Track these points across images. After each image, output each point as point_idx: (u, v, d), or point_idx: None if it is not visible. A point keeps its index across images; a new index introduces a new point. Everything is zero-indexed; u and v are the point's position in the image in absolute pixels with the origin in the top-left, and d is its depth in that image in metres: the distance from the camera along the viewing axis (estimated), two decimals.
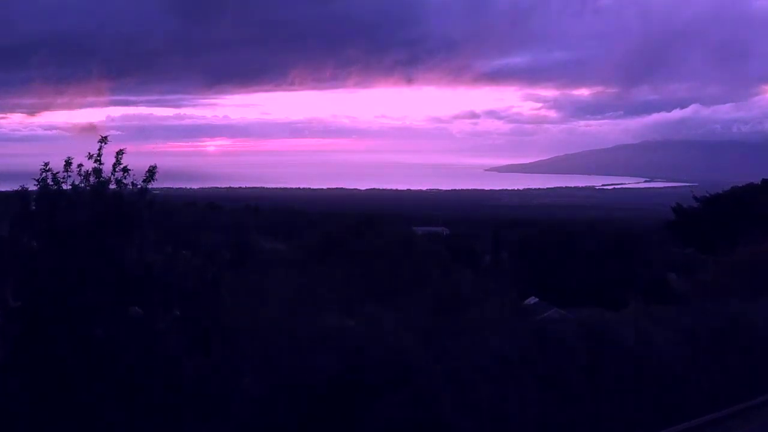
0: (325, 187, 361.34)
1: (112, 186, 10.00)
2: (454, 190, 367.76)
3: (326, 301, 20.34)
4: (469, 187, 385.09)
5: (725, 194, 57.76)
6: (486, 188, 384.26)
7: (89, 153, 9.51)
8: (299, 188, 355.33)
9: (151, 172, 9.67)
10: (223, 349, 10.08)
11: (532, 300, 41.16)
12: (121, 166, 9.64)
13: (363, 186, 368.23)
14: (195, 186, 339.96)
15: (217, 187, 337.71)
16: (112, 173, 9.95)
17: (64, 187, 9.23)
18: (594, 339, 15.25)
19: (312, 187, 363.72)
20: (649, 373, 16.21)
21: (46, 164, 9.78)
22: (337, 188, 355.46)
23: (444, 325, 17.65)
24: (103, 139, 9.57)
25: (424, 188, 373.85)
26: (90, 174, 9.33)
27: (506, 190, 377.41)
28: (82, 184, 9.23)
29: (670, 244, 57.52)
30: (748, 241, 31.71)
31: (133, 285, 8.62)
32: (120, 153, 10.08)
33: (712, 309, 20.57)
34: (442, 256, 43.80)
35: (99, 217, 8.77)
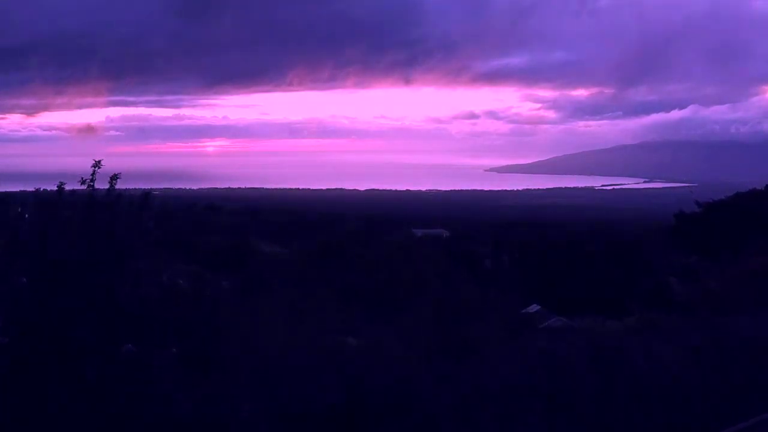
0: (324, 187, 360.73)
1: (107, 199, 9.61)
2: (454, 190, 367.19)
3: (327, 315, 20.00)
4: (469, 188, 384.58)
5: (728, 200, 57.33)
6: (485, 189, 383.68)
7: (82, 178, 9.14)
8: (298, 189, 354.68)
9: (146, 197, 9.30)
10: (223, 378, 9.71)
11: (534, 308, 40.79)
12: (116, 193, 9.27)
13: (362, 186, 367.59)
14: (194, 186, 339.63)
15: (217, 188, 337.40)
16: (107, 193, 9.58)
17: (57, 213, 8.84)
18: (602, 359, 14.90)
19: (311, 187, 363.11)
20: (657, 393, 15.86)
21: (37, 188, 9.40)
22: (336, 189, 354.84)
23: (448, 346, 17.31)
24: (97, 164, 9.19)
25: (424, 189, 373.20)
26: (83, 202, 8.96)
27: (506, 190, 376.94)
28: (74, 214, 8.86)
29: (673, 252, 57.13)
30: (754, 250, 31.37)
31: (127, 320, 8.25)
32: (115, 178, 9.72)
33: (720, 323, 20.23)
34: (442, 263, 43.52)
35: (91, 250, 8.40)
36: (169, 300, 8.78)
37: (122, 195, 9.36)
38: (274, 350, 12.49)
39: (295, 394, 11.78)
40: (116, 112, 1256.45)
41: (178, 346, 8.50)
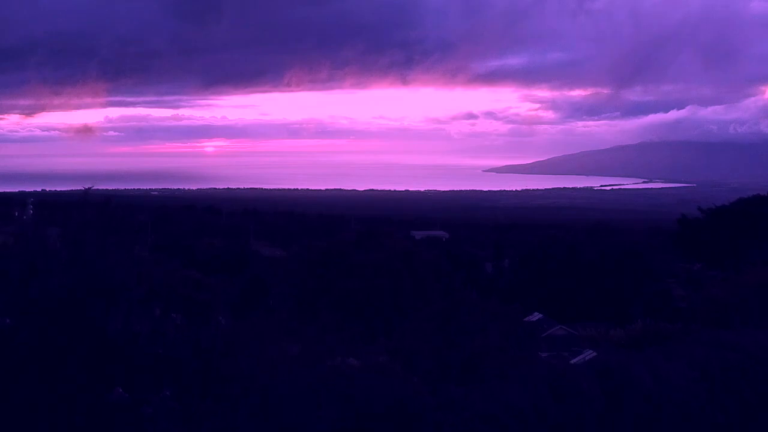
0: (323, 188, 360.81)
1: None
2: (453, 191, 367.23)
3: (327, 330, 19.63)
4: (468, 188, 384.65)
5: (731, 206, 56.80)
6: (484, 189, 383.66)
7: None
8: (297, 189, 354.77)
9: (139, 225, 8.88)
10: (221, 410, 9.30)
11: (536, 316, 40.36)
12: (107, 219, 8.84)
13: (361, 187, 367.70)
14: (193, 187, 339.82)
15: (216, 188, 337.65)
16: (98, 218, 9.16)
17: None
18: (609, 381, 14.48)
19: (310, 188, 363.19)
20: (665, 414, 15.46)
21: (24, 210, 8.96)
22: (335, 189, 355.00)
23: (450, 362, 16.94)
24: (87, 190, 8.79)
25: (423, 189, 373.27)
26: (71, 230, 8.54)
27: (505, 191, 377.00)
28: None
29: (676, 258, 56.66)
30: (759, 258, 31.00)
31: (117, 360, 7.79)
32: (108, 200, 9.32)
33: (727, 339, 19.78)
34: (442, 268, 43.11)
35: (79, 284, 7.95)
36: (162, 331, 8.33)
37: (113, 219, 8.95)
38: (275, 376, 12.09)
39: (295, 419, 11.41)
40: (115, 112, 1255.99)
41: (173, 385, 8.04)
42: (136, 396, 7.52)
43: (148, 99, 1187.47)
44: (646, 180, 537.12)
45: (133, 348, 7.92)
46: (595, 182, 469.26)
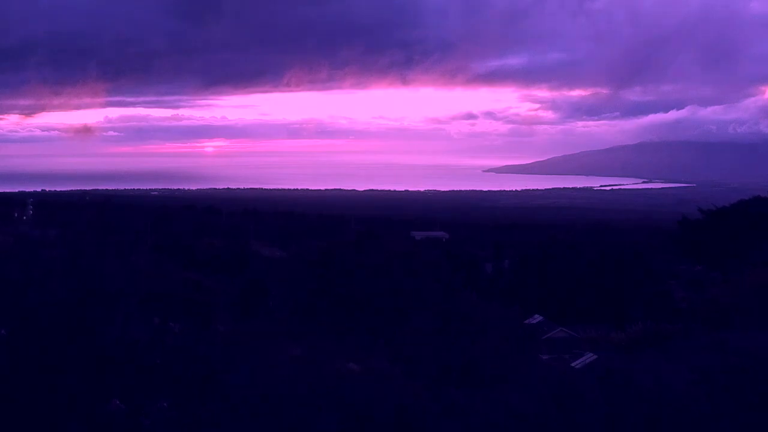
0: (323, 188, 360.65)
1: None
2: (453, 191, 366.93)
3: (327, 335, 19.53)
4: (468, 188, 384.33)
5: (732, 207, 56.60)
6: (484, 189, 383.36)
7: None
8: (297, 189, 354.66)
9: (137, 234, 8.76)
10: (220, 419, 9.19)
11: (536, 318, 40.23)
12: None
13: (361, 187, 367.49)
14: (193, 187, 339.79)
15: (216, 188, 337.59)
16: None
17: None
18: (611, 386, 14.42)
19: (310, 188, 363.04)
20: (667, 417, 15.38)
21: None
22: (335, 189, 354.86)
23: (451, 365, 16.85)
24: (84, 195, 8.66)
25: (423, 189, 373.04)
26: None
27: (505, 191, 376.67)
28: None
29: (676, 259, 56.45)
30: (759, 259, 30.86)
31: (115, 369, 7.66)
32: (106, 203, 9.18)
33: (728, 342, 19.74)
34: (442, 270, 42.92)
35: (78, 292, 7.83)
36: (159, 339, 8.21)
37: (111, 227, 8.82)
38: (275, 381, 11.98)
39: (296, 428, 11.30)
40: (115, 112, 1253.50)
41: (171, 394, 7.92)
42: (134, 406, 7.39)
43: (147, 99, 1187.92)
44: (645, 180, 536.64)
45: (131, 356, 7.79)
46: (594, 182, 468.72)
